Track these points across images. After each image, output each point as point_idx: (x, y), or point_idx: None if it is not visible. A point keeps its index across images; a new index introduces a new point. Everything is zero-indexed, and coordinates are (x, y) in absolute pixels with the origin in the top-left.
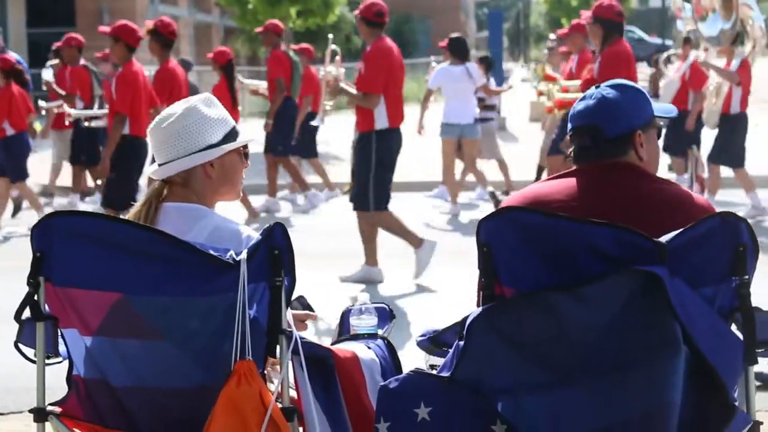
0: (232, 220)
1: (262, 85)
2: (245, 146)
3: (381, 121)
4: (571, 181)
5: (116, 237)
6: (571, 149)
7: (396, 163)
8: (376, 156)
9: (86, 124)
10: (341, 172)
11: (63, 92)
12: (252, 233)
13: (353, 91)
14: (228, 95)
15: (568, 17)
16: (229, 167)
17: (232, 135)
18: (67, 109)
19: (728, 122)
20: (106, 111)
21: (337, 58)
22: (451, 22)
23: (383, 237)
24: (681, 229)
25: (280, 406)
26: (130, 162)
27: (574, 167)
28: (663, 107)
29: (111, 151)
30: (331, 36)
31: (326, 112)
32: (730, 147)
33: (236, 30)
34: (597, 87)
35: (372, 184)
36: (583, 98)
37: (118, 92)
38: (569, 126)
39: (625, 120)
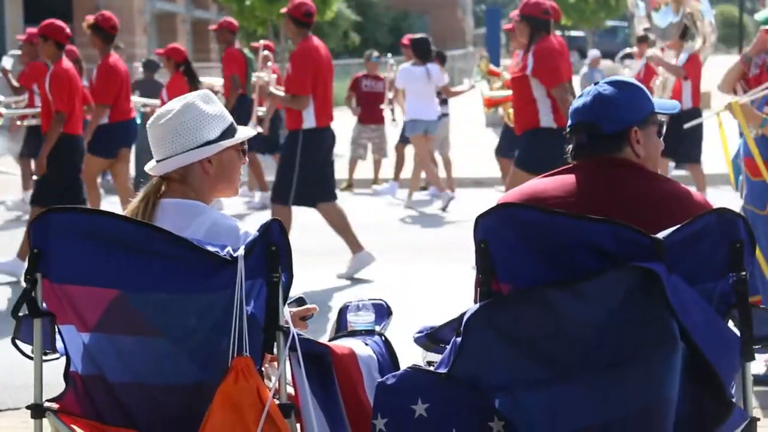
0: (230, 217)
1: (218, 82)
2: (243, 143)
3: (309, 121)
4: (569, 178)
5: (114, 233)
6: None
7: (331, 160)
8: (301, 156)
9: (19, 123)
10: (338, 168)
11: (17, 84)
12: (249, 230)
13: (282, 94)
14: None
15: (566, 13)
16: (227, 164)
17: (230, 131)
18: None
19: (680, 118)
20: (37, 110)
21: (270, 63)
22: (448, 19)
23: (381, 232)
24: (678, 226)
25: (277, 402)
26: (64, 161)
27: (572, 163)
28: (665, 104)
29: (48, 150)
30: (262, 42)
31: (260, 118)
32: (684, 142)
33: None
34: (596, 83)
35: (295, 182)
36: (581, 95)
37: (52, 91)
38: (568, 122)
39: (621, 116)
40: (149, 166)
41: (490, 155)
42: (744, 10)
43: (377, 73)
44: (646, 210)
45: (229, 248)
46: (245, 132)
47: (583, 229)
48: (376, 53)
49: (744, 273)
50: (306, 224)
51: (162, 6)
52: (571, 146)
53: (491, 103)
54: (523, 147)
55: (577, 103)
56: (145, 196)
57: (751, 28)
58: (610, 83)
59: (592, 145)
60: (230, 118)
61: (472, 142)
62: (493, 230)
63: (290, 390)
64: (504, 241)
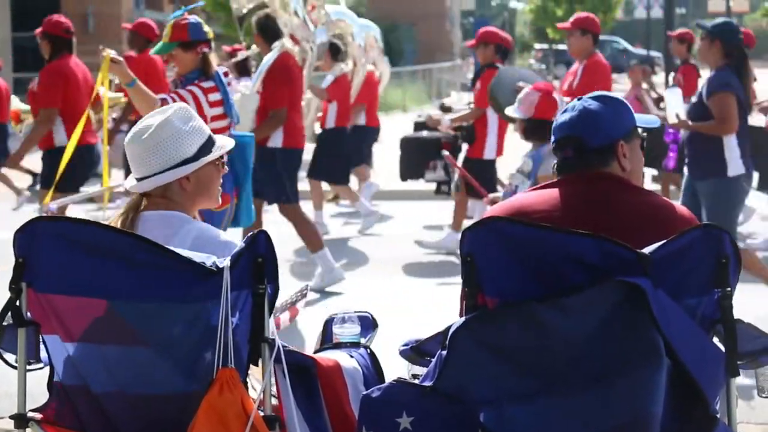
0: (214, 227)
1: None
2: (222, 156)
3: None
4: (554, 192)
5: (100, 243)
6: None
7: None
8: None
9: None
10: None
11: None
12: (235, 240)
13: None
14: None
15: (554, 27)
16: (204, 179)
17: (207, 146)
18: None
19: (325, 137)
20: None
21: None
22: (436, 31)
23: (371, 246)
24: (664, 241)
25: (262, 414)
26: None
27: (558, 178)
28: (645, 118)
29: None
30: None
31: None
32: (326, 162)
33: (223, 36)
34: (579, 99)
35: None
36: (565, 110)
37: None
38: (552, 137)
39: (607, 131)
40: (129, 184)
41: None
42: None
43: None
44: (630, 223)
45: (215, 259)
46: (222, 146)
47: (569, 243)
48: None
49: (729, 288)
50: (290, 234)
51: (150, 15)
52: (556, 160)
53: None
54: None
55: (561, 117)
56: (125, 211)
57: None
58: (595, 98)
59: (578, 159)
60: (207, 132)
61: None
62: (479, 244)
63: (275, 402)
64: (490, 255)
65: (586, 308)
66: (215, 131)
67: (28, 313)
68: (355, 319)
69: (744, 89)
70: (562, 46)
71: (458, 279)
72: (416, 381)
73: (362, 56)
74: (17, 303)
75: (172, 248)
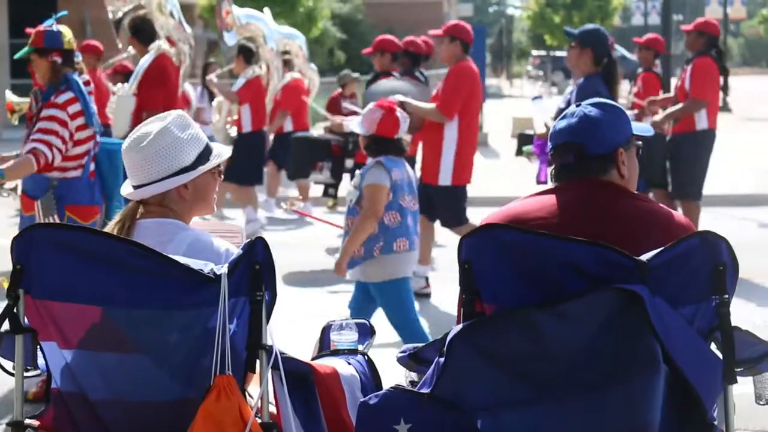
0: (209, 234)
1: None
2: (219, 165)
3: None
4: (551, 199)
5: (97, 250)
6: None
7: None
8: None
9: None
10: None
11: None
12: (231, 247)
13: None
14: None
15: (551, 34)
16: (202, 187)
17: (204, 154)
18: None
19: (242, 141)
20: None
21: None
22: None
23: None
24: (661, 248)
25: (259, 421)
26: None
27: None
28: (640, 126)
29: None
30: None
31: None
32: (241, 165)
33: (218, 43)
34: (578, 105)
35: None
36: (564, 116)
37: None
38: (549, 144)
39: (607, 138)
40: (126, 191)
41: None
42: (728, 32)
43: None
44: (628, 230)
45: (212, 266)
46: (219, 154)
47: (566, 250)
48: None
49: (726, 296)
50: (281, 242)
51: None
52: (555, 167)
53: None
54: None
55: (561, 124)
56: (120, 219)
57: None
58: (594, 104)
59: (579, 166)
60: (205, 140)
61: None
62: (477, 251)
63: (272, 409)
64: (488, 262)
65: (583, 315)
66: (79, 142)
67: (26, 320)
68: (352, 326)
69: (614, 97)
70: (559, 53)
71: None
72: (414, 388)
73: (275, 59)
74: (14, 310)
75: (169, 255)
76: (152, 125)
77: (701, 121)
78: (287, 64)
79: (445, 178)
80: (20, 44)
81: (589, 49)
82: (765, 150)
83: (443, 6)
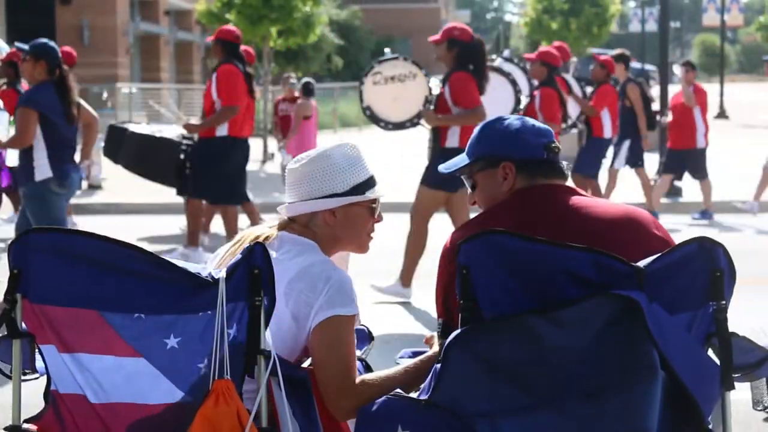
0: (336, 267)
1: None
2: (376, 201)
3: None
4: (518, 206)
5: (94, 254)
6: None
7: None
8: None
9: None
10: None
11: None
12: (346, 281)
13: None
14: None
15: (549, 40)
16: (352, 219)
17: (362, 187)
18: None
19: None
20: None
21: None
22: (431, 44)
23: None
24: (659, 254)
25: (257, 426)
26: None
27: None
28: None
29: None
30: None
31: None
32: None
33: None
34: (519, 119)
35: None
36: (526, 122)
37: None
38: (545, 139)
39: None
40: (281, 208)
41: None
42: (725, 39)
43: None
44: (610, 231)
45: (210, 270)
46: (377, 191)
47: (564, 256)
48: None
49: (724, 302)
50: None
51: (145, 27)
52: (549, 161)
53: None
54: None
55: (535, 126)
56: (268, 231)
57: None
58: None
59: (557, 163)
60: (368, 173)
61: None
62: (474, 256)
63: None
64: (485, 267)
65: (581, 322)
66: None
67: (23, 324)
68: None
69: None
70: None
71: None
72: (412, 394)
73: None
74: (12, 314)
75: (167, 259)
76: (315, 150)
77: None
78: None
79: None
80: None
81: (43, 60)
82: (762, 157)
83: (441, 13)
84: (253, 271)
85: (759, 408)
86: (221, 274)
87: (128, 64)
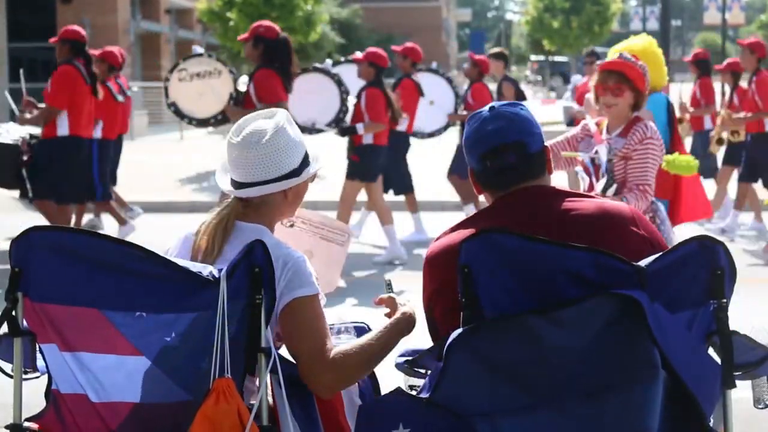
0: (287, 247)
1: None
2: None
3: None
4: (504, 212)
5: (95, 252)
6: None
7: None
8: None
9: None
10: (327, 189)
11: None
12: (291, 259)
13: None
14: None
15: (550, 39)
16: (302, 191)
17: (306, 157)
18: None
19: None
20: None
21: None
22: (432, 43)
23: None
24: (659, 254)
25: (258, 425)
26: None
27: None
28: None
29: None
30: None
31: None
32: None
33: (218, 47)
34: (491, 109)
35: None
36: (485, 119)
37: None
38: (478, 149)
39: (539, 134)
40: (226, 187)
41: None
42: (726, 38)
43: None
44: (591, 230)
45: (211, 268)
46: (317, 158)
47: (564, 256)
48: None
49: (724, 300)
50: None
51: (146, 26)
52: (493, 170)
53: None
54: None
55: (487, 126)
56: (223, 217)
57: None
58: (510, 104)
59: (522, 165)
60: (305, 141)
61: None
62: (475, 255)
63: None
64: (486, 267)
65: (581, 321)
66: None
67: (24, 323)
68: (351, 330)
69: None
70: (558, 58)
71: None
72: (413, 392)
73: None
74: (13, 312)
75: (168, 257)
76: (263, 122)
77: None
78: None
79: None
80: (19, 48)
81: None
82: None
83: (441, 11)
84: (254, 269)
85: (760, 406)
86: (222, 273)
87: (129, 63)
